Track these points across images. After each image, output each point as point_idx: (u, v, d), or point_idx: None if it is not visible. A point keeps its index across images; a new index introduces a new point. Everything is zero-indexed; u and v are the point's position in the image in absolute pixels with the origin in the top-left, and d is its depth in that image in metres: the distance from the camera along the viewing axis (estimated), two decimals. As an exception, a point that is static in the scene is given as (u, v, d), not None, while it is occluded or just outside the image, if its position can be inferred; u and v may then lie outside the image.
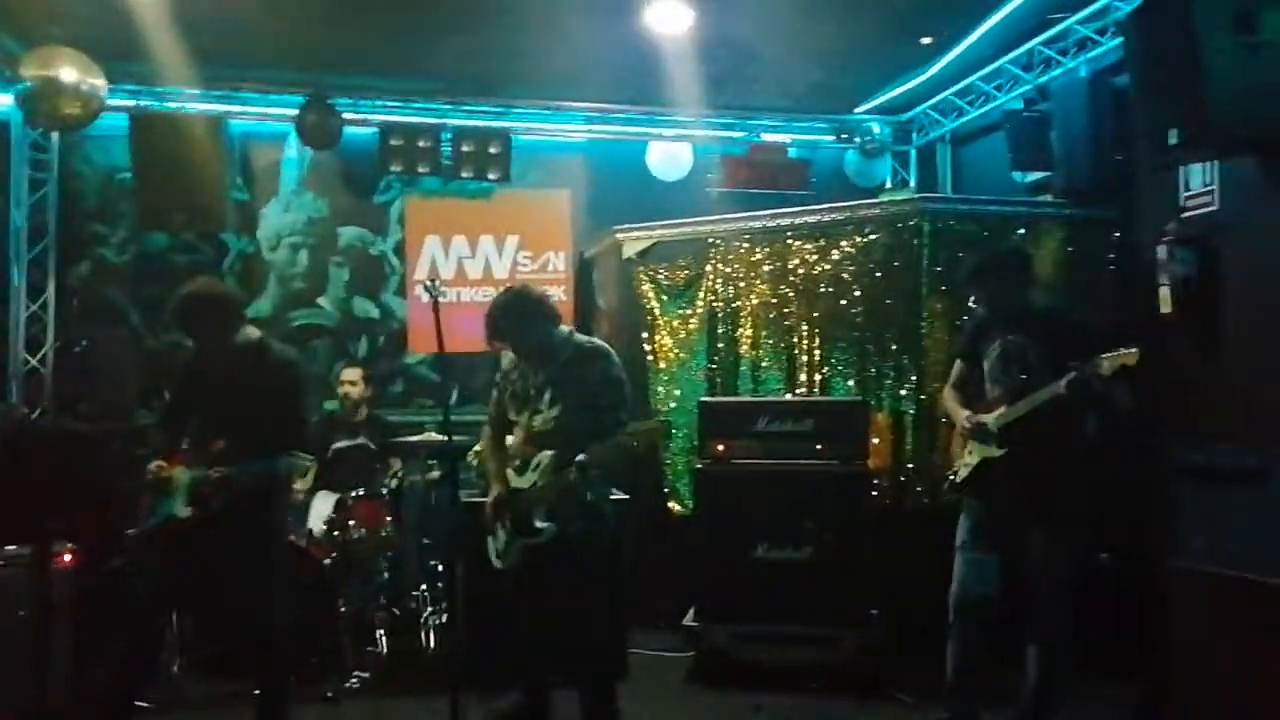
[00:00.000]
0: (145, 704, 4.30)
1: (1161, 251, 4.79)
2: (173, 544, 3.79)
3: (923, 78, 6.90)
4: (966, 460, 3.82)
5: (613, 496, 4.25)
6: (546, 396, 3.89)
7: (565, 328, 4.01)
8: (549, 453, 3.81)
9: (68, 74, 5.81)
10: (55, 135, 6.65)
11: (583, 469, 3.64)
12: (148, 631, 3.88)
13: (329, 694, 4.58)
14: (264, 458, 3.75)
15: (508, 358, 4.13)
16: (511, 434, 4.07)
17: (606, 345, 4.10)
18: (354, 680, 4.77)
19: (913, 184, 7.78)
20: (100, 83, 5.95)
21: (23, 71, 5.78)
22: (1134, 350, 3.31)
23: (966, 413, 3.83)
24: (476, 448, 5.60)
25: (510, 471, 3.99)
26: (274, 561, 3.99)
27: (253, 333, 3.98)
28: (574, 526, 3.81)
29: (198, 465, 3.78)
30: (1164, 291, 4.79)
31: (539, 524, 3.82)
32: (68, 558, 4.36)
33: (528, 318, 3.88)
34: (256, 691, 4.06)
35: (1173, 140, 4.24)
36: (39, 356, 6.55)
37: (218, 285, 4.10)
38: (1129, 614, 4.49)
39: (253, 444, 3.73)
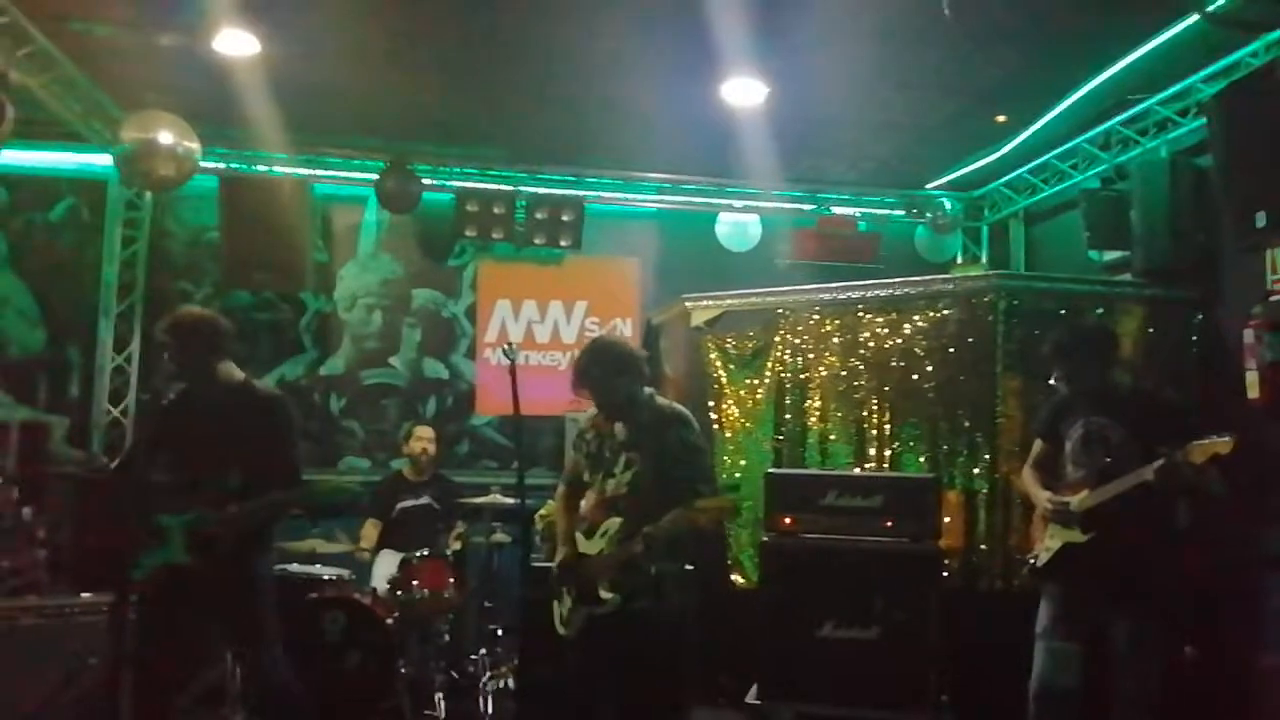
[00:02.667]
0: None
1: (1249, 335, 4.67)
2: (169, 591, 3.65)
3: (996, 155, 6.89)
4: (1048, 544, 3.71)
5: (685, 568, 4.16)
6: (622, 460, 3.81)
7: (649, 389, 3.93)
8: (617, 520, 3.74)
9: (164, 137, 6.05)
10: (148, 195, 6.92)
11: (648, 540, 3.57)
12: (152, 688, 3.71)
13: (387, 757, 4.55)
14: (271, 497, 3.68)
15: (585, 417, 4.06)
16: (585, 496, 3.98)
17: (687, 412, 3.99)
18: (412, 744, 4.74)
19: (984, 260, 7.73)
20: (194, 146, 6.19)
21: (122, 134, 6.04)
22: (1227, 439, 3.21)
23: (1047, 494, 3.74)
24: (542, 511, 5.62)
25: (579, 535, 3.91)
26: (269, 610, 3.86)
27: (237, 372, 3.93)
28: (638, 600, 3.70)
29: (186, 510, 3.66)
30: (1251, 376, 4.66)
31: (604, 594, 3.73)
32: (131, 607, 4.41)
33: (617, 371, 3.80)
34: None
35: (1260, 223, 4.17)
36: (121, 408, 6.74)
37: (209, 312, 4.09)
38: (1212, 711, 4.29)
39: (247, 484, 3.66)
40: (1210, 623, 4.58)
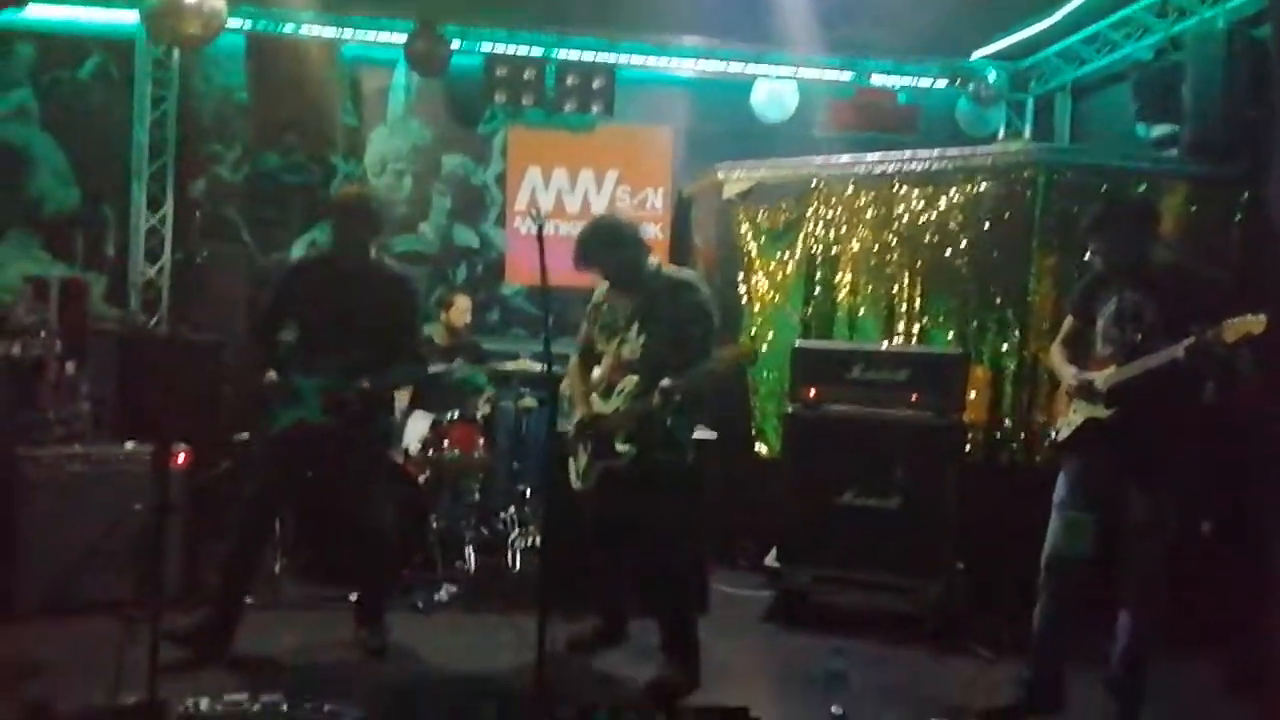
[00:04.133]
0: (249, 599, 4.53)
1: (1293, 214, 4.55)
2: (299, 446, 3.98)
3: (1047, 23, 6.62)
4: (1070, 419, 3.71)
5: (697, 434, 4.26)
6: (635, 326, 3.92)
7: (655, 259, 4.05)
8: (634, 377, 3.87)
9: (190, -8, 5.95)
10: (176, 53, 6.84)
11: (665, 394, 3.68)
12: (253, 530, 4.09)
13: (419, 604, 4.75)
14: (393, 368, 4.00)
15: (599, 290, 4.15)
16: (599, 363, 4.11)
17: (696, 275, 4.14)
18: (442, 594, 4.93)
19: (1028, 134, 7.51)
20: (220, 4, 6.09)
21: (148, -12, 5.95)
22: (1261, 318, 3.15)
23: (1073, 369, 3.71)
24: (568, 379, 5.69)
25: (595, 397, 4.04)
26: (384, 469, 4.24)
27: (373, 250, 4.19)
28: (654, 453, 3.84)
29: (316, 374, 3.94)
30: (1293, 256, 4.56)
31: (619, 447, 3.87)
32: (182, 458, 4.58)
33: (616, 244, 3.92)
34: (354, 597, 4.26)
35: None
36: (156, 268, 6.83)
37: (369, 190, 4.32)
38: (1227, 586, 4.36)
39: (375, 354, 3.93)
40: (1229, 502, 4.61)
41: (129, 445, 4.58)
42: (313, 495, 4.31)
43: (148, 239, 6.83)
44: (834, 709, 3.65)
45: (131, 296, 6.75)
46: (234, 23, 6.43)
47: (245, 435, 5.07)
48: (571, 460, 4.11)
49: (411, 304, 4.22)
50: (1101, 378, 3.58)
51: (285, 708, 3.33)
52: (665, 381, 3.69)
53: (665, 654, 3.95)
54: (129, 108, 6.80)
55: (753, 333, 6.07)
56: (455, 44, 6.83)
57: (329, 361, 3.94)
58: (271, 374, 3.99)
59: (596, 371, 4.12)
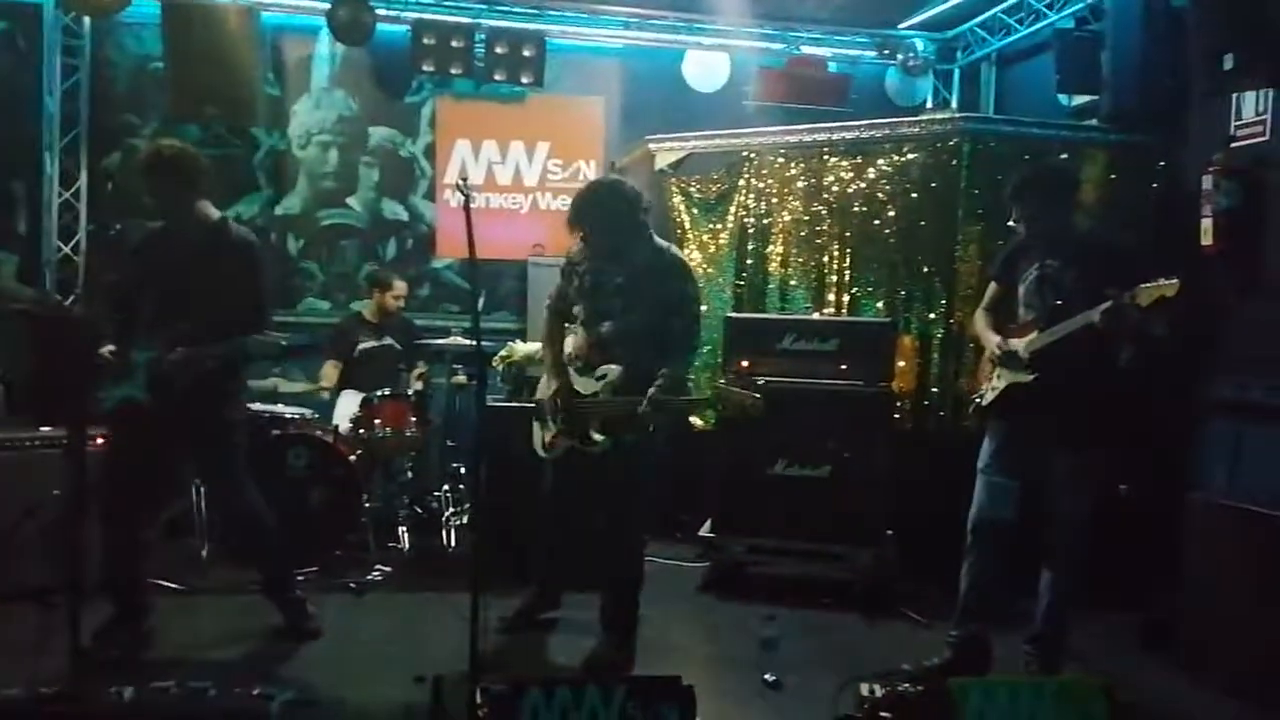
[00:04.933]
0: (176, 586, 4.44)
1: (1207, 181, 4.67)
2: (130, 425, 3.74)
3: (971, -8, 6.68)
4: (994, 384, 3.79)
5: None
6: (616, 303, 3.81)
7: (650, 231, 3.89)
8: (616, 368, 3.77)
9: (99, -43, 5.72)
10: (87, 21, 6.57)
11: (654, 404, 3.58)
12: (113, 517, 3.84)
13: (352, 584, 4.70)
14: (227, 340, 3.67)
15: (578, 248, 3.96)
16: (573, 331, 3.99)
17: (687, 261, 4.05)
18: (376, 573, 4.89)
19: (955, 104, 7.59)
20: (132, -33, 5.86)
21: (54, -46, 5.70)
22: (1174, 281, 3.24)
23: (997, 337, 3.79)
24: (502, 353, 5.66)
25: (574, 372, 3.92)
26: (237, 448, 3.95)
27: (213, 211, 3.90)
28: (633, 449, 3.80)
29: (151, 347, 3.70)
30: (1206, 223, 4.68)
31: (595, 435, 3.80)
32: (99, 440, 4.44)
33: (621, 212, 3.74)
34: (258, 582, 4.14)
35: (1227, 65, 4.10)
36: (71, 244, 6.59)
37: (189, 147, 4.00)
38: (1143, 546, 4.51)
39: (214, 325, 3.65)
40: (1146, 462, 4.76)
41: (43, 430, 4.44)
42: (160, 476, 4.01)
43: (61, 215, 6.58)
44: (766, 676, 3.71)
45: (45, 275, 6.52)
46: (148, -11, 6.20)
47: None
48: (538, 426, 4.04)
49: (249, 269, 3.83)
50: (1023, 344, 3.66)
51: (213, 693, 3.28)
52: (657, 395, 3.59)
53: (606, 629, 3.94)
54: (38, 78, 6.53)
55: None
56: (380, 11, 6.66)
57: (156, 334, 3.70)
58: (107, 348, 3.78)
59: (570, 341, 4.00)
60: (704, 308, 5.89)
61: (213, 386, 3.74)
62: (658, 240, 3.94)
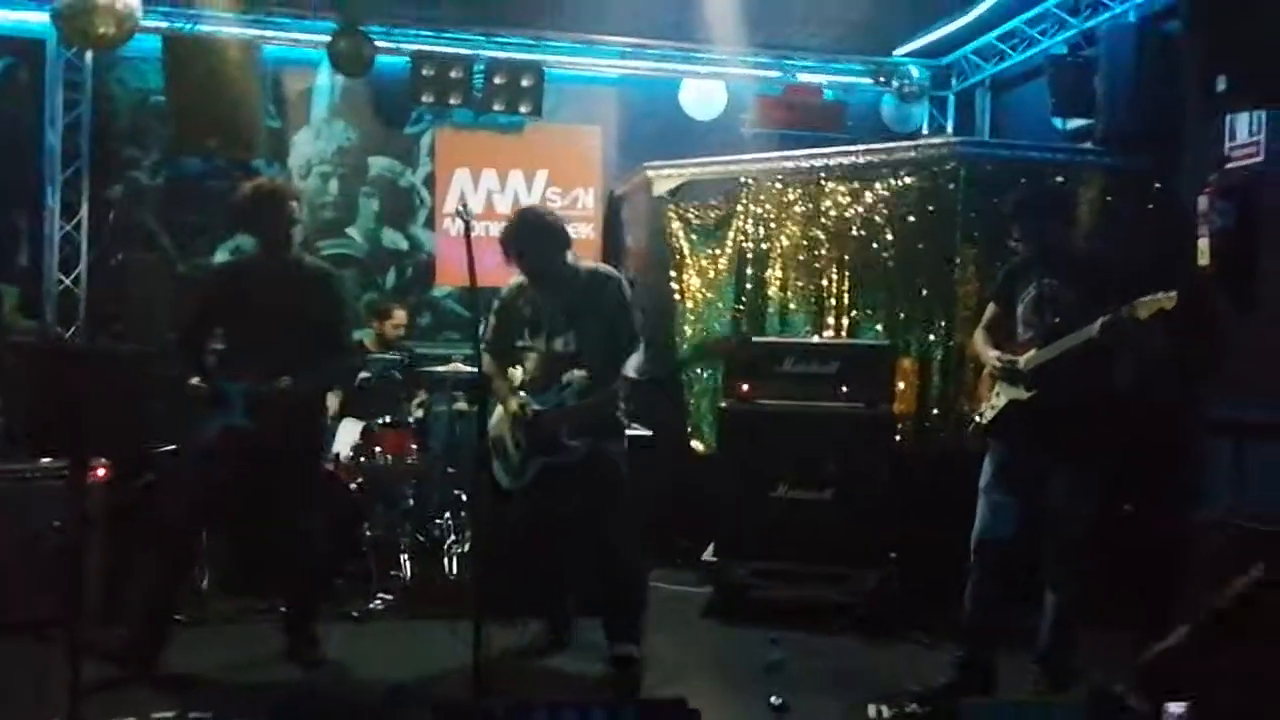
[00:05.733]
0: (177, 618, 4.41)
1: (1202, 202, 4.70)
2: (228, 453, 3.85)
3: (964, 20, 6.76)
4: (994, 402, 3.79)
5: (634, 432, 4.30)
6: (563, 320, 3.95)
7: (572, 253, 4.06)
8: (580, 373, 3.86)
9: (102, -9, 5.77)
10: (89, 55, 6.64)
11: (625, 385, 3.84)
12: (182, 545, 4.00)
13: (354, 614, 4.67)
14: (320, 366, 3.88)
15: (511, 285, 4.11)
16: (520, 359, 4.14)
17: (612, 268, 4.28)
18: (378, 602, 4.86)
19: (950, 130, 7.66)
20: (134, 3, 5.91)
21: (58, -12, 5.76)
22: (1173, 295, 3.25)
23: (996, 353, 3.79)
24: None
25: (524, 394, 4.00)
26: (315, 476, 4.17)
27: (295, 246, 4.07)
28: (605, 445, 3.91)
29: (242, 378, 3.84)
30: (1202, 243, 4.71)
31: (570, 442, 3.87)
32: (101, 472, 4.44)
33: (545, 237, 3.90)
34: (285, 609, 4.16)
35: (1220, 87, 4.14)
36: (72, 276, 6.61)
37: (286, 183, 4.16)
38: (1147, 567, 4.49)
39: (303, 354, 3.82)
40: (1148, 483, 4.75)
41: (44, 461, 4.43)
42: (241, 505, 4.17)
43: (62, 247, 6.60)
44: (773, 699, 3.68)
45: (47, 307, 6.53)
46: (149, 23, 6.24)
47: (171, 447, 4.93)
48: (497, 461, 4.06)
49: (336, 300, 4.08)
50: (1023, 360, 3.66)
51: (214, 723, 3.27)
52: (629, 372, 3.81)
53: (617, 640, 3.97)
54: (40, 112, 6.58)
55: (686, 330, 6.08)
56: (380, 43, 6.73)
57: (253, 364, 3.84)
58: (193, 379, 3.89)
59: (518, 370, 4.13)
60: (704, 331, 6.03)
61: (306, 413, 3.94)
62: (582, 260, 4.14)
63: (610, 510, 3.93)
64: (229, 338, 4.05)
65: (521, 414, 3.93)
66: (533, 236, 3.90)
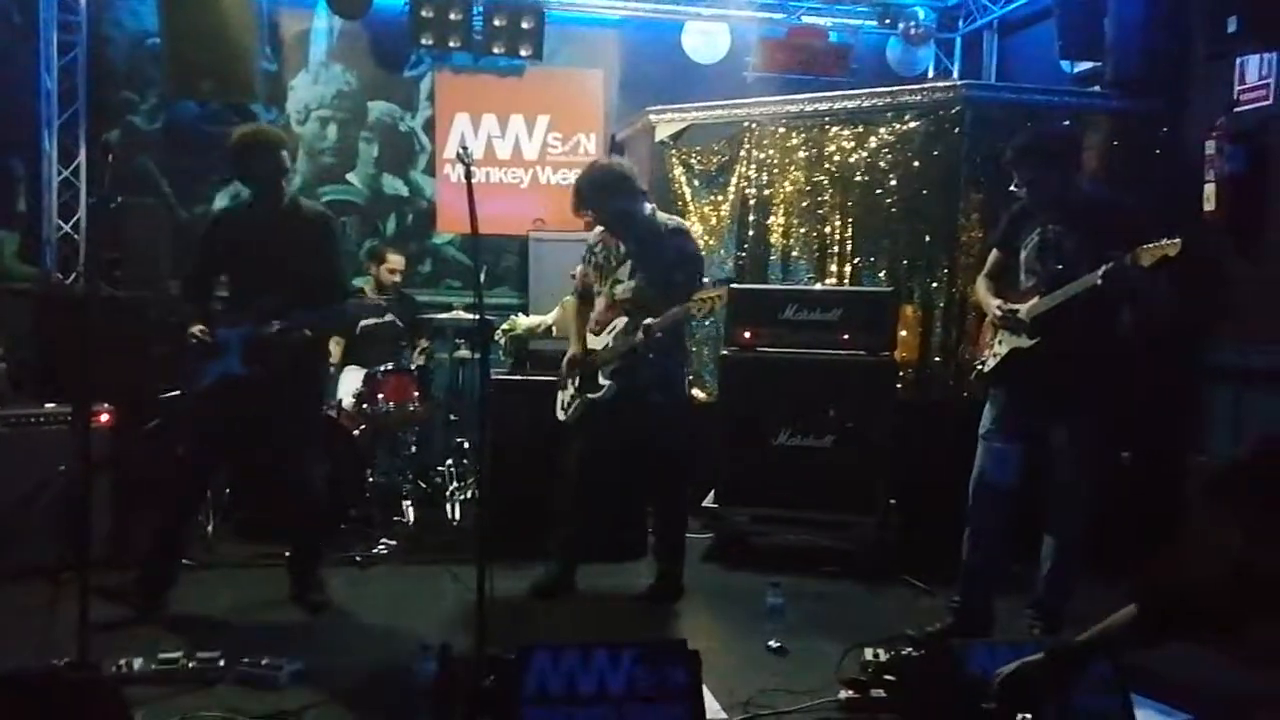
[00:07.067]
0: (184, 561, 4.46)
1: (1210, 146, 4.65)
2: (227, 400, 3.88)
3: (973, -40, 6.63)
4: (995, 350, 3.78)
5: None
6: (627, 267, 4.20)
7: (649, 205, 4.30)
8: (623, 318, 4.13)
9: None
10: (82, -4, 6.54)
11: (646, 331, 3.97)
12: (190, 489, 4.03)
13: (356, 558, 4.72)
14: (315, 309, 3.85)
15: (595, 232, 4.38)
16: (595, 302, 4.34)
17: (685, 224, 4.56)
18: (381, 547, 4.91)
19: (956, 73, 7.55)
20: (127, -57, 5.82)
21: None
22: (1176, 241, 3.22)
23: (998, 301, 3.77)
24: (504, 326, 5.67)
25: (589, 334, 4.31)
26: (317, 421, 4.19)
27: (287, 191, 4.05)
28: (640, 389, 4.11)
29: (240, 324, 3.85)
30: (1209, 188, 4.67)
31: (601, 380, 4.17)
32: (105, 417, 4.46)
33: (612, 191, 4.12)
34: (289, 553, 4.21)
35: (1230, 28, 4.07)
36: (71, 222, 6.58)
37: (280, 130, 4.14)
38: (1144, 513, 4.52)
39: (300, 298, 3.82)
40: (1148, 431, 4.76)
41: (49, 406, 4.45)
42: (243, 450, 4.22)
43: (61, 192, 6.56)
44: (771, 643, 3.73)
45: (46, 253, 6.51)
46: (143, -36, 6.16)
47: (176, 391, 4.95)
48: (560, 393, 4.36)
49: (331, 243, 4.07)
50: (1025, 308, 3.65)
51: (222, 663, 3.32)
52: (647, 321, 3.97)
53: (659, 558, 4.42)
54: (35, 55, 6.49)
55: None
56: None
57: (251, 309, 3.85)
58: (195, 328, 3.89)
59: (593, 312, 4.34)
60: (705, 278, 5.99)
61: (304, 357, 3.94)
62: (658, 214, 4.35)
63: (645, 433, 4.16)
64: (230, 284, 4.07)
65: (576, 353, 4.29)
66: (597, 192, 4.13)
